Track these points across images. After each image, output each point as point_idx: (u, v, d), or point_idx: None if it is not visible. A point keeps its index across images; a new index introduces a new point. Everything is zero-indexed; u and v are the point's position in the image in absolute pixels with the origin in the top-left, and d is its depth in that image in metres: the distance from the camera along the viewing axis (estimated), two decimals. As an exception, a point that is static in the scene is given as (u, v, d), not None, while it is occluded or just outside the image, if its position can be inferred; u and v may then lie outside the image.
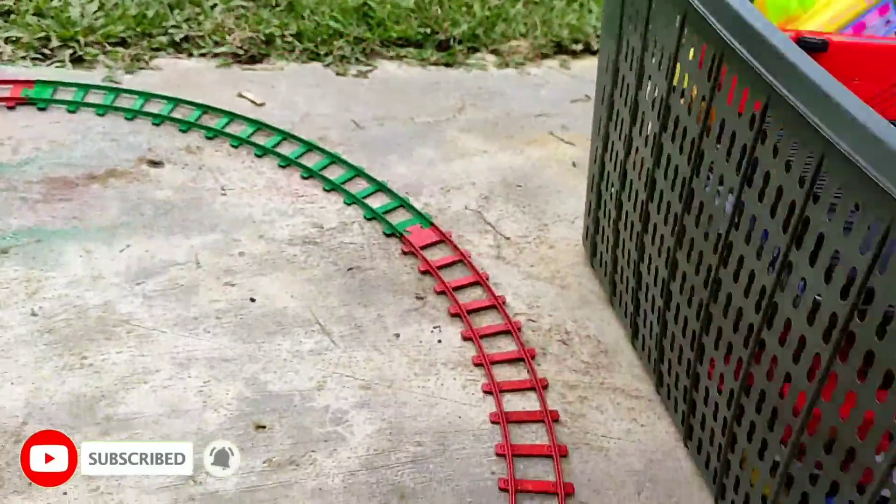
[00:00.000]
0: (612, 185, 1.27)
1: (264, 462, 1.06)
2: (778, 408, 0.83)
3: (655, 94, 1.04)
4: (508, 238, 1.55)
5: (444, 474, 1.08)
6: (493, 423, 1.16)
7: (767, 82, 0.75)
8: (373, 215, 1.55)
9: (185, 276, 1.35)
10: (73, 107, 1.76)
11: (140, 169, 1.61)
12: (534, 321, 1.35)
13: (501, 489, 1.06)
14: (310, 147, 1.73)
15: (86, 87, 1.81)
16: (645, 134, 1.10)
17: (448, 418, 1.16)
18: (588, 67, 2.28)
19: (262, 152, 1.69)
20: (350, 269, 1.42)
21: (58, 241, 1.40)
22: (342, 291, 1.36)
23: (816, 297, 0.73)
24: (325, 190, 1.61)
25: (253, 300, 1.32)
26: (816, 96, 0.67)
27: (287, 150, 1.71)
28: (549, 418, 1.16)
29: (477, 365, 1.25)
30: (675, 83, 1.00)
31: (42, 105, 1.75)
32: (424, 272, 1.43)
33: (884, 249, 0.62)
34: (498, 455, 1.11)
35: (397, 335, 1.29)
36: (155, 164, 1.63)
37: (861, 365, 0.68)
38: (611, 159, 1.27)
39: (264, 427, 1.11)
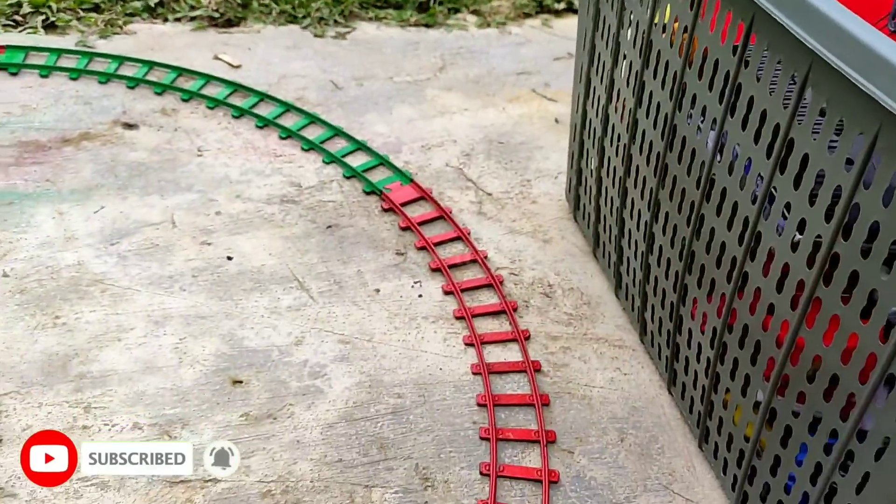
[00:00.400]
0: (595, 132, 1.25)
1: (241, 416, 1.04)
2: (761, 341, 0.81)
3: (637, 32, 1.02)
4: (490, 194, 1.53)
5: (425, 424, 1.06)
6: (474, 374, 1.14)
7: (751, 0, 0.72)
8: (352, 173, 1.52)
9: (161, 236, 1.33)
10: (46, 71, 1.72)
11: (114, 132, 1.57)
12: (516, 275, 1.33)
13: (482, 438, 1.05)
14: (288, 108, 1.69)
15: (58, 52, 1.78)
16: (627, 74, 1.07)
17: (429, 370, 1.14)
18: (571, 26, 2.24)
19: (240, 113, 1.66)
20: (329, 226, 1.39)
21: (30, 203, 1.37)
22: (321, 248, 1.34)
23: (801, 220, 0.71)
24: (303, 150, 1.58)
25: (230, 258, 1.30)
26: (801, 8, 0.65)
27: (265, 110, 1.68)
28: (530, 368, 1.15)
29: (458, 318, 1.23)
30: (656, 20, 0.97)
31: (13, 70, 1.71)
32: (405, 228, 1.40)
33: (869, 163, 0.60)
34: (479, 405, 1.10)
35: (377, 290, 1.27)
36: (129, 126, 1.59)
37: (845, 287, 0.66)
38: (592, 105, 1.24)
39: (241, 382, 1.09)
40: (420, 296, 1.27)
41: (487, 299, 1.28)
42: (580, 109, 1.31)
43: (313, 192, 1.47)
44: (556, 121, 1.79)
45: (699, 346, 0.97)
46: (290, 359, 1.13)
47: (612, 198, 1.21)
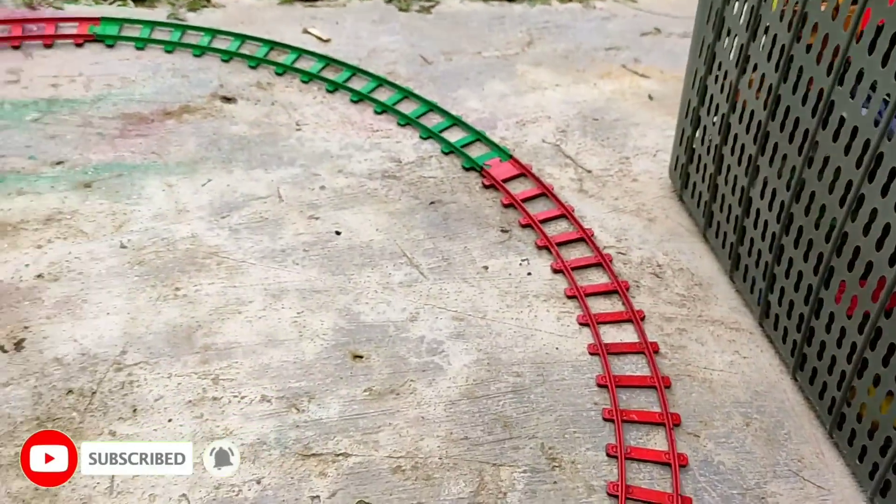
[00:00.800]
0: (717, 110, 1.22)
1: (364, 391, 1.05)
2: None
3: (787, 5, 0.98)
4: (590, 171, 1.50)
5: (546, 404, 1.06)
6: (591, 354, 1.13)
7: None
8: (450, 149, 1.51)
9: (269, 209, 1.33)
10: (141, 44, 1.73)
11: (213, 105, 1.58)
12: (623, 254, 1.32)
13: (606, 419, 1.04)
14: (380, 82, 1.68)
15: (151, 24, 1.79)
16: (769, 48, 1.03)
17: (545, 349, 1.13)
18: (654, 1, 2.19)
19: (334, 87, 1.66)
20: (432, 202, 1.39)
21: (139, 175, 1.38)
22: (426, 225, 1.34)
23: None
24: (399, 125, 1.58)
25: (338, 233, 1.30)
26: None
27: (358, 85, 1.67)
28: (649, 350, 1.13)
29: (570, 297, 1.22)
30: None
31: (110, 42, 1.72)
32: (508, 205, 1.39)
33: None
34: (599, 385, 1.09)
35: (486, 268, 1.26)
36: (227, 100, 1.60)
37: None
38: (716, 81, 1.21)
39: (361, 357, 1.10)
40: (529, 274, 1.26)
41: (598, 278, 1.26)
42: (697, 85, 1.28)
43: (413, 168, 1.46)
44: (650, 97, 1.75)
45: (842, 330, 0.94)
46: (407, 335, 1.14)
47: (735, 177, 1.18)
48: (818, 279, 0.98)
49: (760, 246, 1.13)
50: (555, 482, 0.96)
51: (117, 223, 1.27)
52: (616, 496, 0.95)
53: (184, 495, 0.91)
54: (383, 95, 1.65)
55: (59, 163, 1.39)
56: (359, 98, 1.63)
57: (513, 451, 0.99)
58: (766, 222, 1.11)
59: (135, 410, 0.99)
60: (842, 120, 0.88)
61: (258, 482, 0.92)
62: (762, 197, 1.11)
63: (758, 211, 1.13)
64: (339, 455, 0.97)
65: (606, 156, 1.55)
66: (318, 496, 0.92)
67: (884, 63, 0.80)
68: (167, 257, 1.22)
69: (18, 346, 1.06)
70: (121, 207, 1.31)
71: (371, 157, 1.48)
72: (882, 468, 0.90)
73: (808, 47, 0.94)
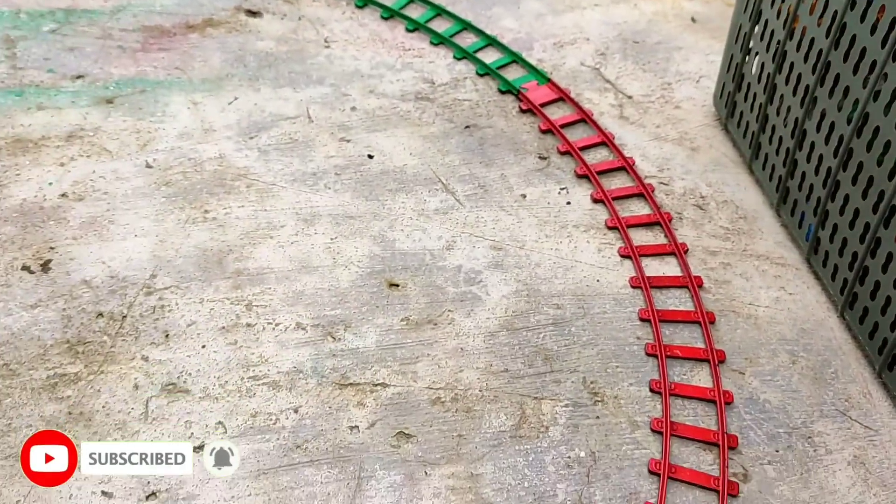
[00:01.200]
0: (772, 36, 1.15)
1: (402, 321, 1.02)
2: None
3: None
4: (630, 97, 1.44)
5: (587, 337, 1.03)
6: (633, 287, 1.10)
7: None
8: (486, 71, 1.44)
9: (299, 130, 1.28)
10: (159, -48, 1.65)
11: (238, 19, 1.51)
12: (665, 184, 1.27)
13: (649, 354, 1.01)
14: (412, -3, 1.60)
15: (170, -68, 1.69)
16: None
17: (585, 281, 1.10)
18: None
19: (363, 3, 1.58)
20: (467, 126, 1.33)
21: (162, 91, 1.33)
22: (462, 150, 1.28)
23: None
24: (432, 44, 1.50)
25: (371, 157, 1.25)
26: None
27: (388, 0, 1.59)
28: (693, 283, 1.10)
29: (610, 228, 1.18)
30: None
31: (127, -50, 1.64)
32: (546, 131, 1.33)
33: None
34: (642, 320, 1.05)
35: (523, 196, 1.22)
36: (252, 13, 1.53)
37: None
38: (772, 6, 1.13)
39: (398, 286, 1.06)
40: (568, 203, 1.21)
41: (639, 209, 1.22)
42: (751, 10, 1.20)
43: (447, 90, 1.40)
44: (693, 20, 1.67)
45: None
46: (444, 263, 1.10)
47: (789, 107, 1.12)
48: (877, 217, 0.93)
49: (813, 181, 1.08)
50: (597, 417, 0.94)
51: (142, 141, 1.23)
52: (660, 432, 0.93)
53: (220, 423, 0.89)
54: (415, 12, 1.57)
55: (79, 77, 1.34)
56: (389, 14, 1.55)
57: (554, 384, 0.97)
58: (821, 156, 1.06)
59: (167, 335, 0.97)
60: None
61: (295, 411, 0.91)
62: (818, 130, 1.05)
63: (812, 144, 1.08)
64: (377, 385, 0.94)
65: (648, 81, 1.48)
66: (356, 426, 0.90)
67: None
68: (195, 178, 1.18)
69: (45, 267, 1.03)
70: (145, 125, 1.26)
71: (403, 77, 1.42)
72: (937, 411, 0.88)
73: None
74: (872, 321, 0.99)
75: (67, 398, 0.90)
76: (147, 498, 0.82)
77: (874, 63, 0.92)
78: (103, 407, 0.89)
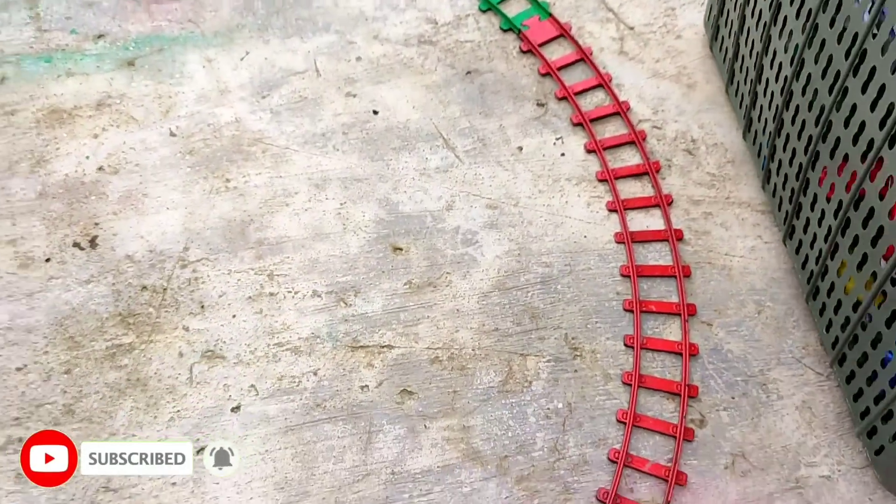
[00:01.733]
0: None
1: (405, 284, 1.15)
2: (885, 227, 0.84)
3: None
4: (632, 28, 1.46)
5: (572, 294, 1.15)
6: (617, 242, 1.20)
7: None
8: (488, 6, 1.47)
9: (308, 86, 1.36)
10: None
11: (244, -41, 1.54)
12: (658, 128, 1.33)
13: (626, 310, 1.13)
14: (416, -78, 1.59)
15: None
16: None
17: (573, 238, 1.20)
18: None
19: (366, -68, 1.58)
20: (468, 72, 1.39)
21: (178, 49, 1.40)
22: (462, 99, 1.35)
23: None
24: (436, -24, 1.52)
25: (376, 112, 1.33)
26: None
27: (391, -73, 1.59)
28: (672, 237, 1.19)
29: (601, 180, 1.26)
30: None
31: None
32: (545, 74, 1.38)
33: None
34: (622, 276, 1.17)
35: (520, 148, 1.30)
36: (258, -48, 1.55)
37: None
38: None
39: (401, 249, 1.19)
40: (562, 154, 1.29)
41: (630, 158, 1.29)
42: None
43: (449, 31, 1.44)
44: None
45: (822, 212, 1.00)
46: (443, 225, 1.21)
47: (753, 41, 1.17)
48: (807, 160, 1.02)
49: (766, 115, 1.15)
50: (575, 371, 1.08)
51: (164, 108, 1.32)
52: (630, 384, 1.07)
53: (252, 386, 1.06)
54: (418, -60, 1.57)
55: (100, 36, 1.41)
56: (392, -55, 1.56)
57: (539, 341, 1.10)
58: (772, 93, 1.12)
59: (202, 306, 1.12)
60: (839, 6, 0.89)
61: (315, 373, 1.07)
62: (771, 67, 1.10)
63: (767, 80, 1.13)
64: (383, 347, 1.09)
65: (651, 6, 1.49)
66: (366, 385, 1.06)
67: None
68: (215, 145, 1.28)
69: (93, 243, 1.17)
70: (165, 89, 1.35)
71: (406, 18, 1.46)
72: (840, 344, 1.00)
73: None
74: (804, 254, 1.08)
75: (125, 366, 1.07)
76: (198, 453, 1.00)
77: (855, 35, 0.95)
78: (155, 373, 1.06)
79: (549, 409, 1.05)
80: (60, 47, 1.39)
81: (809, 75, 0.99)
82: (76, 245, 1.17)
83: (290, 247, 1.18)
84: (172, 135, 1.29)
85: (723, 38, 1.32)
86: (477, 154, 1.29)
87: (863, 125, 0.87)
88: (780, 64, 1.07)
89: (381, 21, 1.45)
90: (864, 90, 0.86)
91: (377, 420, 1.03)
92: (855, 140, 0.89)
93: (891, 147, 0.81)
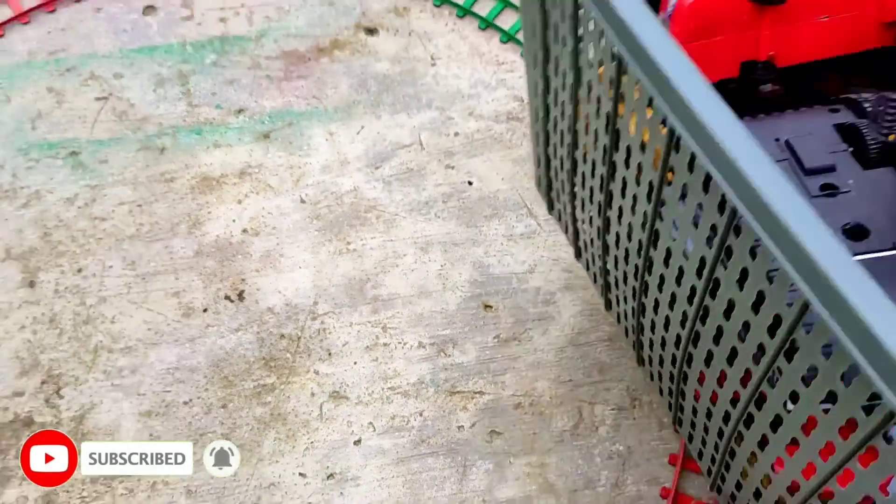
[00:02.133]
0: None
1: (494, 338, 1.39)
2: None
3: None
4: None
5: (633, 353, 1.36)
6: (676, 306, 1.40)
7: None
8: (569, 83, 1.68)
9: (413, 159, 1.60)
10: (288, -35, 1.91)
11: (358, 38, 1.79)
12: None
13: (681, 367, 1.34)
14: (505, 4, 1.81)
15: (294, -60, 1.94)
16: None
17: (638, 300, 1.41)
18: None
19: (463, 13, 1.81)
20: (550, 146, 1.60)
21: (305, 123, 1.67)
22: (545, 171, 1.57)
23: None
24: (522, 56, 1.74)
25: (470, 183, 1.57)
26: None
27: (484, 9, 1.81)
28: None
29: (664, 248, 1.46)
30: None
31: (261, -34, 1.91)
32: (617, 148, 1.59)
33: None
34: (679, 336, 1.37)
35: (594, 217, 1.51)
36: (370, 31, 1.80)
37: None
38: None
39: (491, 307, 1.42)
40: (631, 223, 1.50)
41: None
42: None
43: (535, 106, 1.66)
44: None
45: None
46: (526, 286, 1.44)
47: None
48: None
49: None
50: (635, 418, 1.30)
51: (295, 177, 1.59)
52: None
53: (370, 423, 1.32)
54: (507, 22, 1.79)
55: (240, 111, 1.69)
56: (486, 25, 1.78)
57: (605, 391, 1.33)
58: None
59: (330, 353, 1.39)
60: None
61: (420, 414, 1.32)
62: (583, 187, 1.05)
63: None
64: (476, 393, 1.34)
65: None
66: (462, 426, 1.31)
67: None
68: (337, 211, 1.54)
69: (241, 296, 1.45)
70: (295, 160, 1.61)
71: (497, 96, 1.68)
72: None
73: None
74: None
75: (269, 403, 1.34)
76: (328, 478, 1.27)
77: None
78: (292, 410, 1.33)
79: (612, 450, 1.28)
80: (208, 121, 1.68)
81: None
82: (227, 298, 1.45)
83: (399, 303, 1.43)
84: (302, 202, 1.56)
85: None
86: (555, 223, 1.50)
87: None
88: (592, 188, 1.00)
89: (476, 98, 1.68)
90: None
91: (471, 456, 1.28)
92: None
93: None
